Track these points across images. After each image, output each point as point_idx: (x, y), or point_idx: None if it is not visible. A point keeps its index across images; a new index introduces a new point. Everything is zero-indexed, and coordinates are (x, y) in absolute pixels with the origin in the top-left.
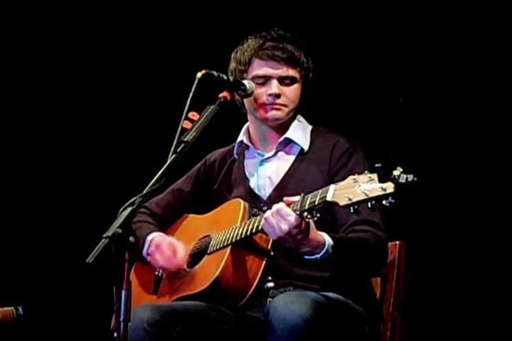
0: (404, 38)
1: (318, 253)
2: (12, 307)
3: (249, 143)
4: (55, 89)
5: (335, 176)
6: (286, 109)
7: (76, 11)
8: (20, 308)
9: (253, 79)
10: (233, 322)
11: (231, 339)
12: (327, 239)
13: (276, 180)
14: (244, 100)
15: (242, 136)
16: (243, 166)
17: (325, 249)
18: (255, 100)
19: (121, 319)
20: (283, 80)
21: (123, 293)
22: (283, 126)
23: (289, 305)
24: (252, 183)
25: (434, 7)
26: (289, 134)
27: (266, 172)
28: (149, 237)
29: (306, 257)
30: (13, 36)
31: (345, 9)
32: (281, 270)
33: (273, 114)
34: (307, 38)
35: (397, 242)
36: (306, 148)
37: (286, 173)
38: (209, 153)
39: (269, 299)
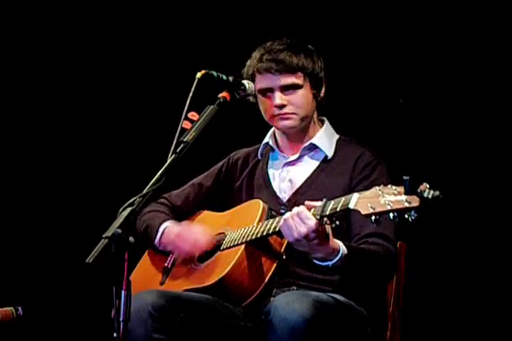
0: (404, 38)
1: (330, 261)
2: (12, 307)
3: (274, 146)
4: (55, 90)
5: (356, 186)
6: (297, 117)
7: (76, 10)
8: (20, 308)
9: (258, 93)
10: (237, 318)
11: (233, 334)
12: (342, 248)
13: (297, 185)
14: (262, 112)
15: (268, 138)
16: (266, 167)
17: (338, 257)
18: (265, 113)
19: (121, 319)
20: (286, 89)
21: (123, 293)
22: (305, 131)
23: (290, 304)
24: (275, 185)
25: (434, 7)
26: (314, 140)
27: (288, 175)
28: (161, 228)
29: (318, 263)
30: (13, 36)
31: (345, 10)
32: (286, 269)
33: (283, 123)
34: (307, 39)
35: (398, 243)
36: (330, 155)
37: (308, 179)
38: (233, 152)
39: (272, 298)
